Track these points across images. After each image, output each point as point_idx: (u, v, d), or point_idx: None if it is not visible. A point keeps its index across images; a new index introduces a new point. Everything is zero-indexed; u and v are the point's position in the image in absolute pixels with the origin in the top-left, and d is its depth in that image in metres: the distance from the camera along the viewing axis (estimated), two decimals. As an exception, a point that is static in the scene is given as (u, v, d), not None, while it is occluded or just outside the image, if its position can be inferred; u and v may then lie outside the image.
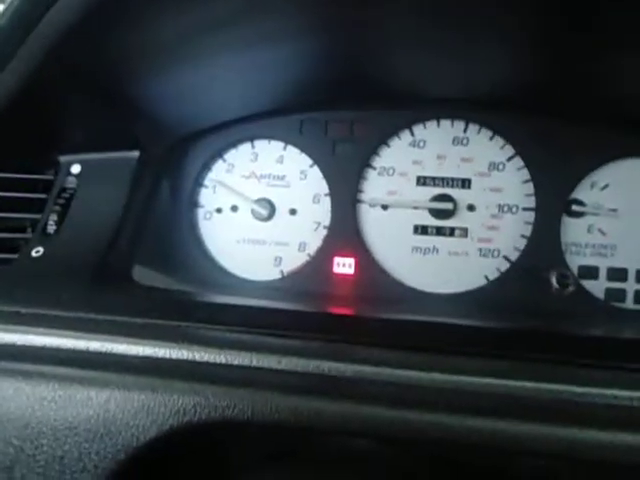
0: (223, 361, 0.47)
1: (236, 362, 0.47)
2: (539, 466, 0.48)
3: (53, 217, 0.71)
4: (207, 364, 0.47)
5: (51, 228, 0.71)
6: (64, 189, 0.74)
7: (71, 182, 0.75)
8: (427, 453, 0.47)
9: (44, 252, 0.68)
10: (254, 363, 0.47)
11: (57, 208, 0.72)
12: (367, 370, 0.47)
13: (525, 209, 0.83)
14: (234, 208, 0.88)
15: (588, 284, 0.80)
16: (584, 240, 0.82)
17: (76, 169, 0.76)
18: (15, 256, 0.69)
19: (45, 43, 0.60)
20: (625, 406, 0.44)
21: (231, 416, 0.43)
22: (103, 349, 0.49)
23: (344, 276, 0.84)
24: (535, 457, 0.44)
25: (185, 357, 0.48)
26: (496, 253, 0.83)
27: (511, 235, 0.82)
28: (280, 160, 0.88)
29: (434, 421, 0.43)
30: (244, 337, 0.51)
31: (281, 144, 0.88)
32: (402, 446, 0.46)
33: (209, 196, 0.89)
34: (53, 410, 0.44)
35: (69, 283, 0.64)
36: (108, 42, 0.64)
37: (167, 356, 0.48)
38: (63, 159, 0.76)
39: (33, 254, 0.68)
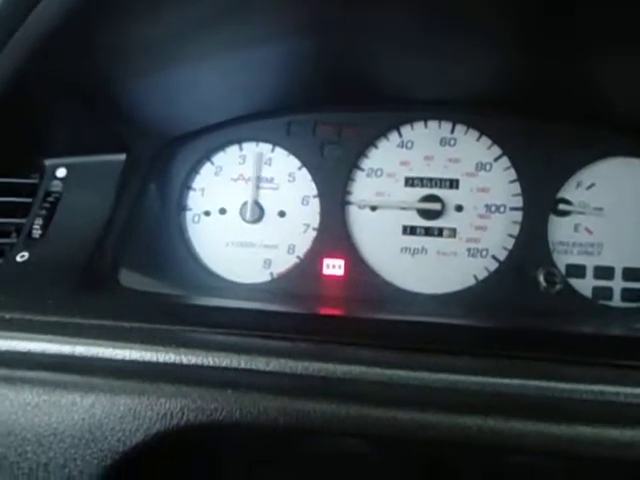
0: (211, 363, 0.47)
1: (224, 364, 0.47)
2: (527, 464, 0.48)
3: (38, 221, 0.70)
4: (194, 367, 0.47)
5: (36, 232, 0.70)
6: (49, 193, 0.73)
7: (56, 186, 0.74)
8: (417, 452, 0.47)
9: (29, 257, 0.67)
10: (242, 365, 0.47)
11: (42, 212, 0.71)
12: (356, 370, 0.46)
13: (512, 209, 0.83)
14: (222, 211, 0.88)
15: (575, 283, 0.81)
16: (571, 239, 0.82)
17: (61, 173, 0.75)
18: (0, 261, 0.68)
19: (28, 45, 0.59)
20: (612, 402, 0.45)
21: (219, 418, 0.42)
22: (88, 353, 0.48)
23: (333, 277, 0.84)
24: (523, 454, 0.44)
25: (172, 360, 0.47)
26: (484, 253, 0.83)
27: (499, 235, 0.83)
28: (268, 162, 0.88)
29: (423, 420, 0.43)
30: (232, 339, 0.50)
31: (269, 146, 0.88)
32: (391, 445, 0.46)
33: (197, 199, 0.89)
34: (37, 416, 0.43)
35: (55, 288, 0.64)
36: (93, 44, 0.63)
37: (154, 359, 0.47)
38: (48, 163, 0.76)
39: (18, 259, 0.67)
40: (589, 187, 0.82)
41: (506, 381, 0.46)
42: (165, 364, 0.47)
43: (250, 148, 0.88)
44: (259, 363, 0.47)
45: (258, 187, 0.87)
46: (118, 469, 0.42)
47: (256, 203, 0.87)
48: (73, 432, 0.42)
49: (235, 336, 0.51)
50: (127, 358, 0.48)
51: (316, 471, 0.50)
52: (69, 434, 0.42)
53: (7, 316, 0.54)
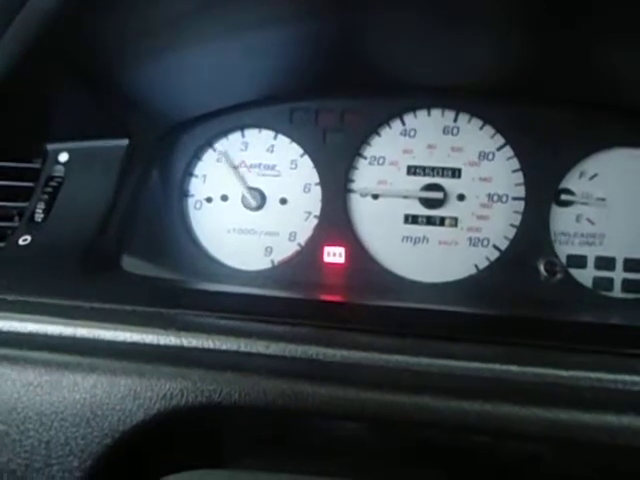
0: (211, 346, 0.47)
1: (224, 347, 0.47)
2: (523, 450, 0.48)
3: (41, 205, 0.71)
4: (195, 349, 0.47)
5: (39, 216, 0.70)
6: (52, 177, 0.74)
7: (59, 170, 0.75)
8: (414, 436, 0.48)
9: (31, 240, 0.68)
10: (242, 348, 0.47)
11: (45, 197, 0.71)
12: (355, 355, 0.47)
13: (515, 198, 0.83)
14: (224, 198, 0.88)
15: (576, 273, 0.81)
16: (573, 229, 0.82)
17: (64, 157, 0.75)
18: (2, 244, 0.69)
19: (30, 28, 0.59)
20: (609, 389, 0.45)
21: (218, 400, 0.43)
22: (90, 335, 0.49)
23: (334, 265, 0.84)
24: (520, 439, 0.44)
25: (172, 342, 0.48)
26: (486, 242, 0.83)
27: (501, 224, 0.83)
28: (270, 149, 0.88)
29: (421, 403, 0.43)
30: (232, 323, 0.51)
31: (271, 133, 0.88)
32: (389, 429, 0.47)
33: (199, 185, 0.89)
34: (39, 395, 0.44)
35: (57, 271, 0.64)
36: (95, 28, 0.63)
37: (154, 342, 0.48)
38: (50, 147, 0.76)
39: (20, 242, 0.68)
40: (592, 177, 0.82)
41: (504, 367, 0.46)
42: (165, 346, 0.48)
43: (252, 135, 0.88)
44: (259, 346, 0.47)
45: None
46: (118, 448, 0.42)
47: (258, 190, 0.87)
48: (74, 411, 0.43)
49: (235, 320, 0.51)
50: (128, 340, 0.48)
51: (313, 454, 0.51)
52: (70, 413, 0.43)
53: (9, 298, 0.54)
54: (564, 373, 0.46)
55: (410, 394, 0.44)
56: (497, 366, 0.46)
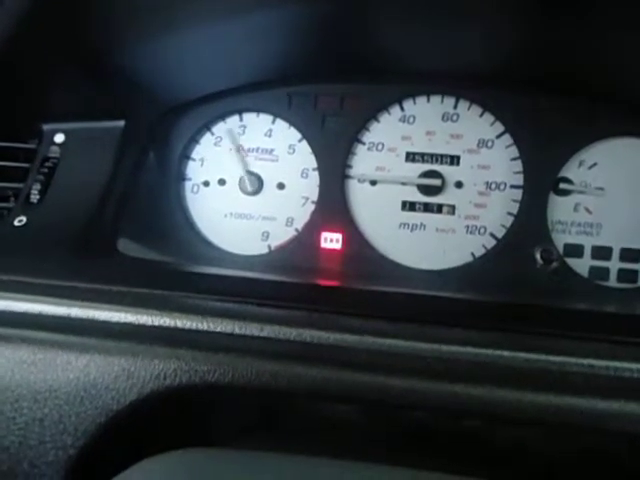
0: (205, 328, 0.47)
1: (218, 329, 0.47)
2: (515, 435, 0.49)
3: (36, 186, 0.70)
4: (189, 331, 0.47)
5: (34, 197, 0.70)
6: (47, 158, 0.73)
7: (54, 151, 0.74)
8: (406, 419, 0.48)
9: (27, 221, 0.68)
10: (236, 330, 0.47)
11: (40, 177, 0.71)
12: (348, 338, 0.47)
13: (513, 187, 0.82)
14: (222, 182, 0.88)
15: (573, 262, 0.81)
16: (570, 218, 0.82)
17: (60, 138, 0.74)
18: (-2, 225, 0.68)
19: (26, 5, 0.58)
20: (601, 375, 0.45)
21: (211, 380, 0.43)
22: (84, 315, 0.49)
23: (331, 251, 0.84)
24: (512, 423, 0.45)
25: (167, 324, 0.48)
26: (483, 230, 0.83)
27: (498, 212, 0.83)
28: (269, 134, 0.87)
29: (414, 387, 0.43)
30: (227, 305, 0.51)
31: (270, 117, 0.87)
32: (380, 411, 0.47)
33: (196, 169, 0.88)
34: (33, 373, 0.44)
35: (52, 252, 0.64)
36: (92, 7, 0.62)
37: (149, 322, 0.48)
38: (46, 128, 0.75)
39: (16, 223, 0.68)
40: (591, 167, 0.82)
41: (497, 352, 0.46)
42: (160, 327, 0.48)
43: (251, 119, 0.87)
44: (253, 329, 0.47)
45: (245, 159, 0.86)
46: (112, 427, 0.43)
47: (255, 175, 0.86)
48: (68, 390, 0.43)
49: (230, 302, 0.51)
50: (122, 321, 0.48)
51: (305, 436, 0.51)
52: (64, 391, 0.43)
53: (4, 278, 0.54)
54: (557, 359, 0.46)
55: (403, 377, 0.44)
56: (490, 351, 0.46)
